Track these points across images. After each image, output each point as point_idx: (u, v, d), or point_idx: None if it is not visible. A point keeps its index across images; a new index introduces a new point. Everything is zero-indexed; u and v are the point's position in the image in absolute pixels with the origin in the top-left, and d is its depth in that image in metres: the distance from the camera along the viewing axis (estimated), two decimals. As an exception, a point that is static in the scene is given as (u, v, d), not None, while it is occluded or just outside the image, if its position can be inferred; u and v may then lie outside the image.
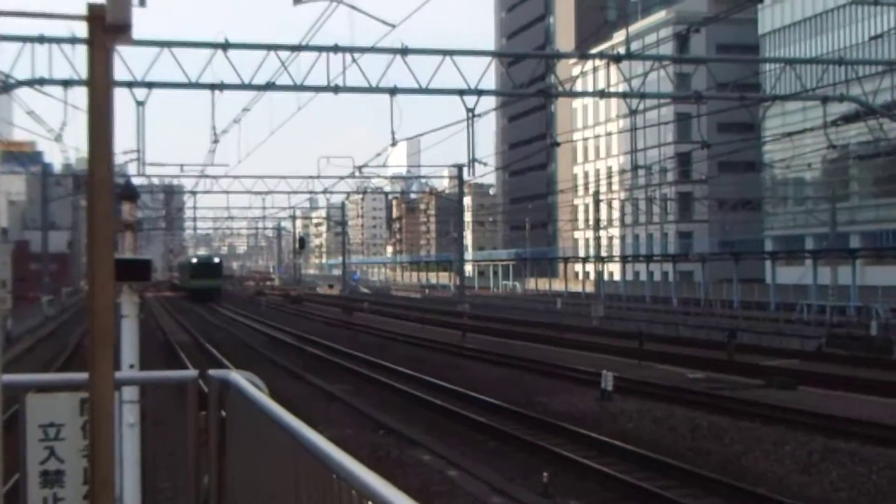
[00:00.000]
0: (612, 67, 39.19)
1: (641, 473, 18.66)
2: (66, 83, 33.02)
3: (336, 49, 33.73)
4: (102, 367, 3.48)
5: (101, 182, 3.38)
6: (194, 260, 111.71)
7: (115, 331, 3.76)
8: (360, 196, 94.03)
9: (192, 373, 5.98)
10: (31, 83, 32.84)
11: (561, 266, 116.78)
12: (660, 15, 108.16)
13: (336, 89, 34.40)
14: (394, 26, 24.57)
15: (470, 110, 36.58)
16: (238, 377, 5.52)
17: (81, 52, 34.00)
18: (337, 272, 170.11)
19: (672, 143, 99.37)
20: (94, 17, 3.33)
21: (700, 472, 18.34)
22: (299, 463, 3.91)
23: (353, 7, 23.99)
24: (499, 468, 19.77)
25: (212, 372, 5.79)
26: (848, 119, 40.62)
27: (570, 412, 26.20)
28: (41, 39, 32.27)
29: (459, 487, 18.15)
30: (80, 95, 33.06)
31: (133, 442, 9.25)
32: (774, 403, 26.10)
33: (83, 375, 3.88)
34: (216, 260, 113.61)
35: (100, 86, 3.37)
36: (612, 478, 18.25)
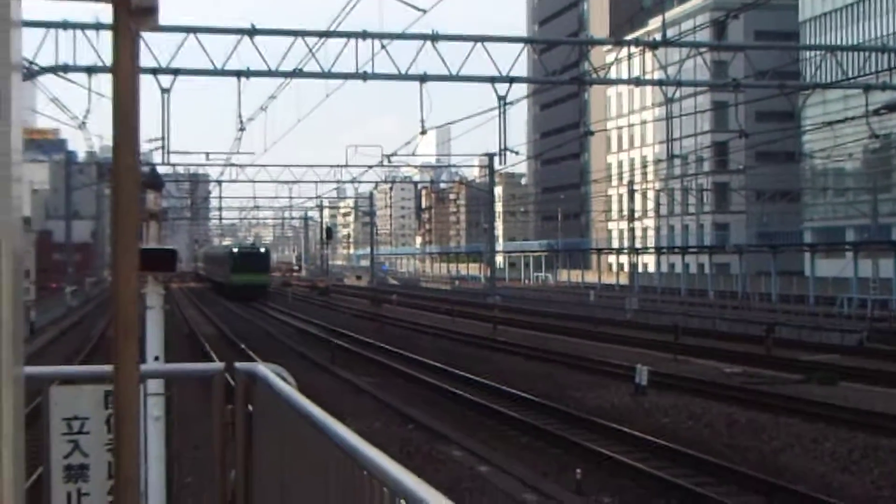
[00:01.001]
0: (648, 55, 38.49)
1: (677, 470, 18.24)
2: (90, 70, 32.65)
3: (365, 35, 33.19)
4: (127, 361, 3.45)
5: (126, 170, 3.26)
6: (235, 249, 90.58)
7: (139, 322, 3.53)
8: (389, 186, 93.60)
9: (218, 365, 5.88)
10: (54, 70, 32.48)
11: (594, 258, 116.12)
12: (697, 1, 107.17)
13: (364, 76, 33.87)
14: (424, 11, 23.99)
15: (501, 98, 36.01)
16: (265, 370, 5.40)
17: (106, 37, 33.68)
18: (365, 263, 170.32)
19: (709, 132, 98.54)
20: (120, 0, 3.20)
21: (738, 469, 17.86)
22: (329, 458, 3.80)
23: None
24: (531, 464, 19.38)
25: (238, 365, 5.67)
26: (891, 108, 39.78)
27: (604, 407, 25.77)
28: (65, 25, 31.90)
29: (491, 483, 17.73)
30: (105, 82, 32.71)
31: (158, 436, 9.03)
32: (814, 399, 25.55)
33: (108, 368, 3.89)
34: (263, 250, 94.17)
35: (125, 71, 3.24)
36: (647, 474, 17.75)
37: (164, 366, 6.62)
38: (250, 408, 5.52)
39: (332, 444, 3.74)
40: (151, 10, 3.23)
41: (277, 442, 4.95)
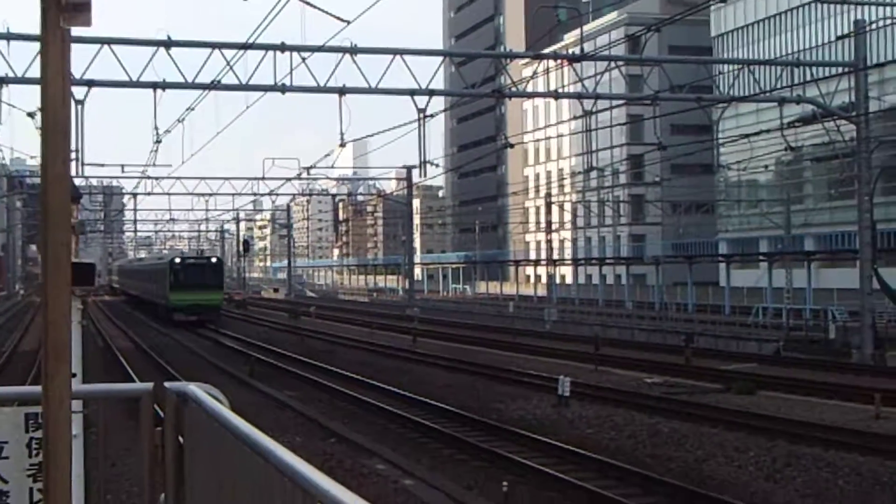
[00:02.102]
0: (565, 68, 38.67)
1: (602, 481, 18.26)
2: (1, 81, 31.94)
3: (283, 48, 32.96)
4: (58, 382, 3.29)
5: (56, 179, 3.08)
6: (178, 260, 70.45)
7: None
8: (307, 198, 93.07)
9: (146, 385, 5.60)
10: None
11: (512, 269, 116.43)
12: (612, 16, 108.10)
13: (283, 89, 33.65)
14: (348, 22, 23.79)
15: (421, 111, 35.94)
16: (197, 390, 5.16)
17: (18, 48, 33.04)
18: (282, 276, 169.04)
19: (625, 145, 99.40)
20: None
21: (662, 479, 17.90)
22: (271, 483, 3.58)
23: (304, 2, 23.17)
24: (456, 477, 19.25)
25: (168, 384, 5.40)
26: (804, 121, 40.36)
27: (527, 418, 25.78)
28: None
29: (416, 497, 17.59)
30: (16, 93, 32.01)
31: (76, 455, 8.74)
32: (735, 408, 25.83)
33: (27, 389, 3.80)
34: (214, 259, 73.43)
35: (54, 73, 3.07)
36: (573, 485, 17.72)
37: (91, 387, 6.37)
38: (181, 430, 5.29)
39: (273, 468, 3.54)
40: (83, 7, 3.09)
41: (212, 465, 4.73)
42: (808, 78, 37.02)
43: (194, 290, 64.58)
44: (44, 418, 3.39)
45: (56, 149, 3.09)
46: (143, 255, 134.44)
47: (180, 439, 5.40)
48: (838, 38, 40.34)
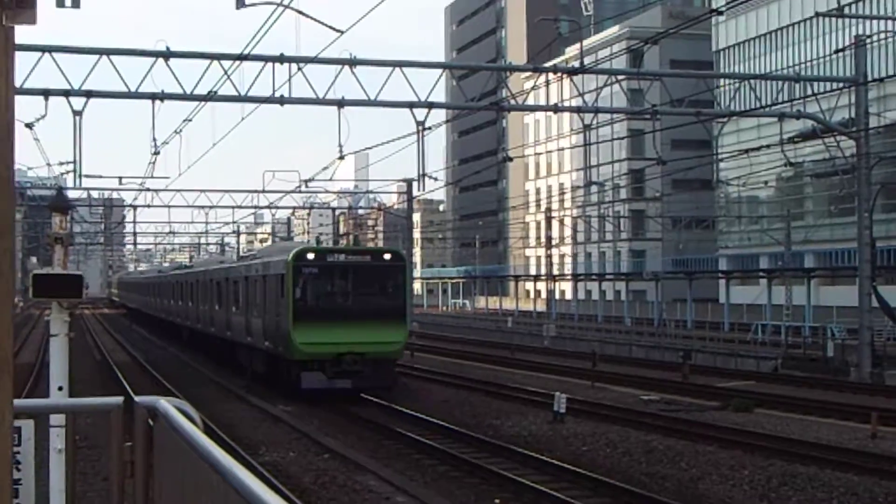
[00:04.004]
0: (565, 82, 38.53)
1: (597, 499, 18.16)
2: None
3: (282, 59, 32.81)
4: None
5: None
6: (309, 255, 33.62)
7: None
8: (307, 211, 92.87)
9: (116, 399, 5.57)
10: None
11: (511, 284, 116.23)
12: (613, 30, 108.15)
13: (281, 100, 33.51)
14: (342, 32, 23.65)
15: (420, 123, 35.80)
16: (167, 405, 5.08)
17: None
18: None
19: (625, 160, 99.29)
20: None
21: (656, 498, 17.72)
22: (227, 502, 3.51)
23: (299, 12, 23.05)
24: (449, 494, 19.09)
25: (138, 399, 5.30)
26: (805, 136, 40.20)
27: (523, 435, 25.66)
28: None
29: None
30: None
31: (59, 469, 8.57)
32: (731, 426, 25.69)
33: None
34: (388, 256, 34.77)
35: None
36: (566, 504, 17.54)
37: (57, 400, 6.22)
38: (149, 448, 5.19)
39: (233, 490, 3.45)
40: (27, 3, 2.96)
41: (178, 482, 4.63)
42: (809, 93, 36.87)
43: (347, 321, 32.46)
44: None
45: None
46: (144, 266, 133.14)
47: (151, 454, 5.27)
48: (836, 51, 40.13)
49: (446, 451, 22.89)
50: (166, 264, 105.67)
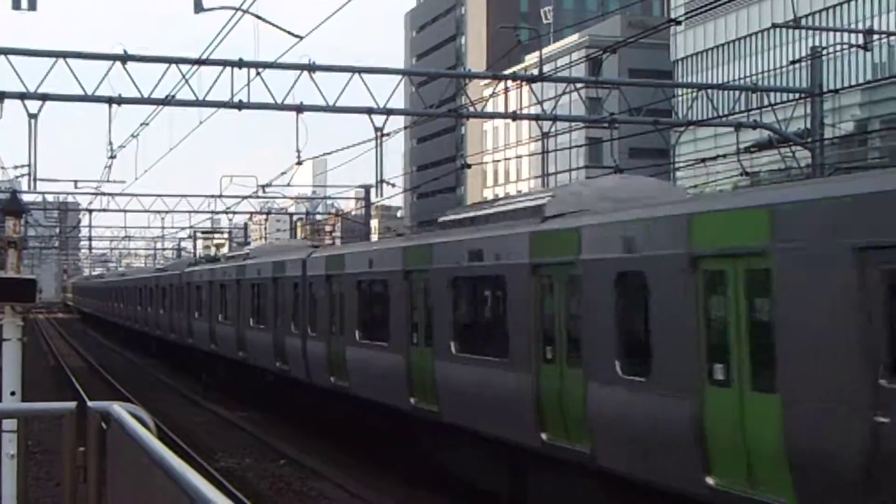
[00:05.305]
0: (524, 90, 38.62)
1: None
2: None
3: (241, 64, 32.69)
4: None
5: None
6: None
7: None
8: (264, 216, 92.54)
9: (69, 405, 5.46)
10: None
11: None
12: (572, 38, 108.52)
13: (240, 105, 33.31)
14: (301, 38, 23.64)
15: (378, 129, 35.76)
16: (120, 410, 4.98)
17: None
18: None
19: (583, 168, 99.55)
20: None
21: None
22: None
23: (258, 17, 22.99)
24: (407, 500, 19.02)
25: (91, 404, 5.25)
26: (761, 146, 40.44)
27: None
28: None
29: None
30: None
31: (11, 475, 8.54)
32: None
33: None
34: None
35: None
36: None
37: (10, 405, 6.20)
38: (102, 453, 5.14)
39: (185, 494, 3.42)
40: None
41: (132, 487, 4.56)
42: (766, 104, 37.13)
43: None
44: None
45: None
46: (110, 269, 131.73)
47: (104, 460, 5.23)
48: (791, 62, 40.48)
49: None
50: (121, 269, 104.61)
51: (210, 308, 39.00)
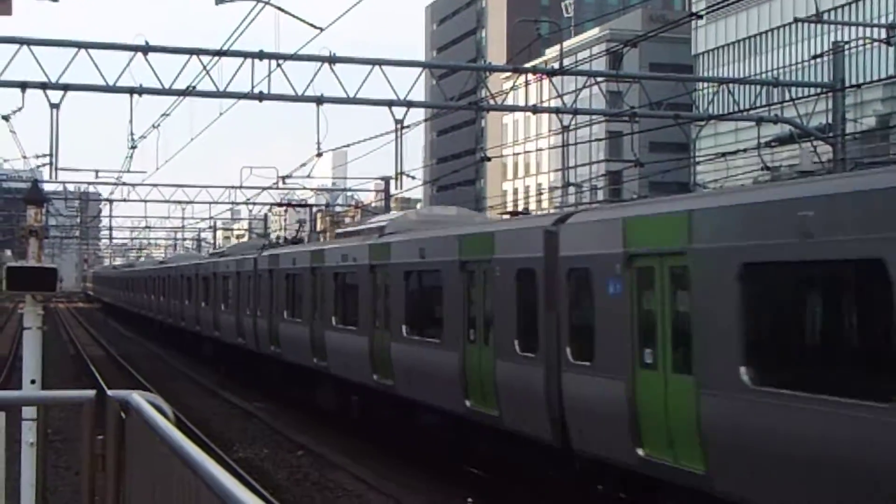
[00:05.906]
0: (545, 83, 38.55)
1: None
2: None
3: (261, 55, 32.72)
4: None
5: None
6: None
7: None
8: (284, 208, 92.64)
9: (88, 393, 5.42)
10: None
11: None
12: (593, 32, 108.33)
13: (260, 97, 33.36)
14: (321, 29, 23.66)
15: (399, 122, 35.77)
16: (139, 399, 4.97)
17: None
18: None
19: (603, 161, 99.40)
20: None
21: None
22: (197, 495, 3.50)
23: (279, 8, 23.02)
24: (425, 492, 19.03)
25: (111, 392, 5.27)
26: (782, 141, 40.34)
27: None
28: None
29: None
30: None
31: (30, 462, 8.56)
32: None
33: None
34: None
35: None
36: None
37: (28, 393, 6.21)
38: (121, 441, 5.15)
39: (204, 484, 3.42)
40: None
41: (149, 476, 4.58)
42: (787, 98, 37.01)
43: None
44: None
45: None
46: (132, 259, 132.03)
47: (123, 448, 5.24)
48: (814, 56, 40.33)
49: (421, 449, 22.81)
50: (142, 259, 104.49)
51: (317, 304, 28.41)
